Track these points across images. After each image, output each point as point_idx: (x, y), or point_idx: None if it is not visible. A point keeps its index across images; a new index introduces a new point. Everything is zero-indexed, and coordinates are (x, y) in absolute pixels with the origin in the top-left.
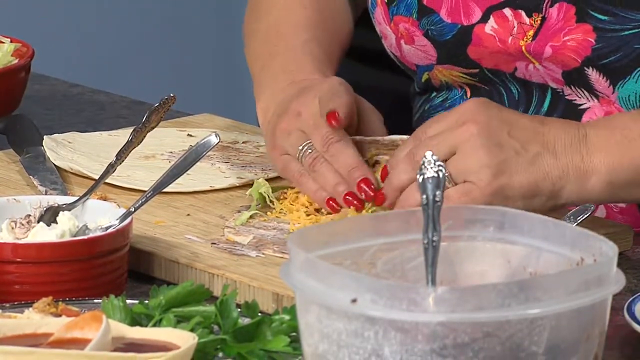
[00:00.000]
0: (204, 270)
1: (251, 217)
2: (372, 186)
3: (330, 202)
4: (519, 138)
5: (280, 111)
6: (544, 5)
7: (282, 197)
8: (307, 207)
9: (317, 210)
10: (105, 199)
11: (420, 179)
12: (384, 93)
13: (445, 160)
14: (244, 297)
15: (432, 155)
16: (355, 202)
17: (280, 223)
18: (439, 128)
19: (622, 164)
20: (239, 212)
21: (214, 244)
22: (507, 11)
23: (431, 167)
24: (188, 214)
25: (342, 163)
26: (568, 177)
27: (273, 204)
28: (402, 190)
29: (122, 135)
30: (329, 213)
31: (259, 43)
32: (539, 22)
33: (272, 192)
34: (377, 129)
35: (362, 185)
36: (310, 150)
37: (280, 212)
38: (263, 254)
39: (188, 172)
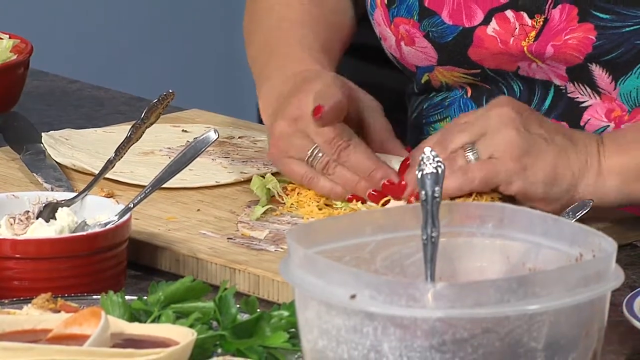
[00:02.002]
0: (225, 266)
1: (265, 211)
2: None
3: (351, 198)
4: (547, 129)
5: (277, 112)
6: (547, 6)
7: (290, 192)
8: (317, 200)
9: (329, 205)
10: (111, 196)
11: (419, 175)
12: (383, 90)
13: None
14: (267, 292)
15: (431, 151)
16: (379, 196)
17: (293, 217)
18: (468, 118)
19: (634, 160)
20: (248, 207)
21: (230, 239)
22: (509, 13)
23: (430, 163)
24: (198, 210)
25: (358, 167)
26: (587, 171)
27: (282, 199)
28: None
29: (117, 131)
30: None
31: (260, 44)
32: (541, 23)
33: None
34: (377, 121)
35: (388, 184)
36: (320, 154)
37: (291, 207)
38: (281, 248)
39: (191, 167)
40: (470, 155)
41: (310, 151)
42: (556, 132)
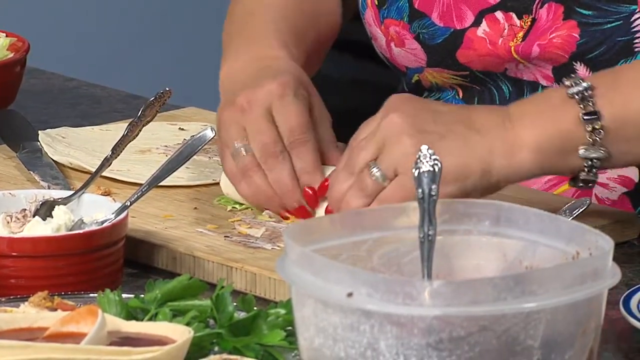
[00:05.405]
0: (222, 264)
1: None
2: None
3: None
4: (443, 122)
5: (229, 97)
6: (534, 6)
7: None
8: None
9: None
10: (109, 194)
11: (416, 173)
12: (376, 88)
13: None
14: (264, 290)
15: (427, 149)
16: (296, 213)
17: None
18: (368, 129)
19: (547, 131)
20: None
21: (227, 237)
22: (499, 14)
23: (426, 161)
24: (195, 208)
25: (278, 181)
26: (496, 152)
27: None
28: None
29: (114, 129)
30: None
31: (234, 23)
32: (529, 23)
33: None
34: (325, 133)
35: (310, 193)
36: (244, 153)
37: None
38: (278, 246)
39: (187, 165)
40: (375, 172)
41: (237, 144)
42: (454, 123)
